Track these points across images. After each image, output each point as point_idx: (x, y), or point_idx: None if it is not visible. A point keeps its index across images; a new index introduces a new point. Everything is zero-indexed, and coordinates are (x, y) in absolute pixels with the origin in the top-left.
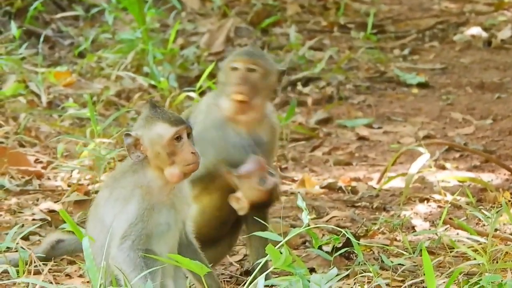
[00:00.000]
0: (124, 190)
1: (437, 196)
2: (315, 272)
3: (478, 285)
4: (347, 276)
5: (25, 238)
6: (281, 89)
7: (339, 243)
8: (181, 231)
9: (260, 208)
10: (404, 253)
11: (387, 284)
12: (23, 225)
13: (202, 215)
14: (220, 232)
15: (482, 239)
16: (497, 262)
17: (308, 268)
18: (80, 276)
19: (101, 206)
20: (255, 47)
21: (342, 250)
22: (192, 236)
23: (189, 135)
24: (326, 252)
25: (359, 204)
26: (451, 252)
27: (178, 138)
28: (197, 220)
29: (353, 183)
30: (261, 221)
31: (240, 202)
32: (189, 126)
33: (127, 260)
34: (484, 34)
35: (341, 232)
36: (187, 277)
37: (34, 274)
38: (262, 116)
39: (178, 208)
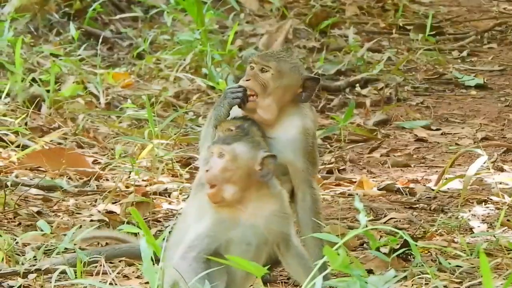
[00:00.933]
0: (202, 201)
1: (495, 198)
2: (373, 273)
3: None
4: (405, 277)
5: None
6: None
7: (397, 244)
8: (270, 250)
9: None
10: (462, 254)
11: (445, 286)
12: (81, 226)
13: None
14: None
15: None
16: None
17: (365, 270)
18: (138, 277)
19: (187, 208)
20: (285, 51)
21: (400, 251)
22: (300, 250)
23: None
24: (384, 253)
25: (417, 205)
26: (508, 253)
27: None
28: None
29: (411, 185)
30: (317, 221)
31: None
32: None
33: (189, 270)
34: None
35: (399, 233)
36: None
37: (92, 275)
38: (284, 119)
39: (263, 228)
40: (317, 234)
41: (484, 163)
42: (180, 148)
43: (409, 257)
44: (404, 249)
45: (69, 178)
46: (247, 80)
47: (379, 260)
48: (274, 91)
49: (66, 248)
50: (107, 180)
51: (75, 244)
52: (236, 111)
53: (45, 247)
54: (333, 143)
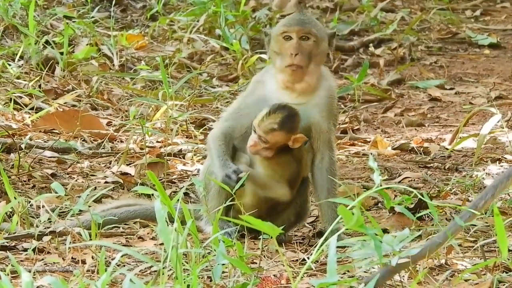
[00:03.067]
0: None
1: (509, 157)
2: (388, 233)
3: None
4: (420, 237)
5: (98, 201)
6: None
7: (411, 203)
8: None
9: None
10: (476, 213)
11: (459, 245)
12: (95, 188)
13: (262, 183)
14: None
15: None
16: None
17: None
18: (153, 238)
19: None
20: (305, 13)
21: (423, 212)
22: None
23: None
24: (399, 213)
25: (431, 165)
26: None
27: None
28: (258, 189)
29: (425, 144)
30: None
31: (298, 140)
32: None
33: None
34: None
35: (413, 192)
36: None
37: (106, 237)
38: (317, 82)
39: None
40: (334, 199)
41: (498, 121)
42: (194, 109)
43: (423, 216)
44: (420, 209)
45: (83, 140)
46: (295, 55)
47: (393, 220)
48: (316, 57)
49: (80, 210)
50: (122, 142)
51: (89, 206)
52: (271, 89)
53: (60, 209)
54: (347, 103)
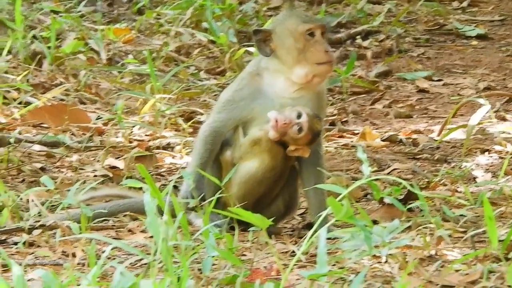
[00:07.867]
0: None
1: (498, 147)
2: (378, 224)
3: None
4: (409, 227)
5: None
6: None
7: (400, 195)
8: None
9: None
10: (466, 204)
11: (449, 235)
12: (84, 182)
13: (254, 177)
14: (274, 190)
15: None
16: None
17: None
18: (143, 231)
19: None
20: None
21: (412, 204)
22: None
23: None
24: (388, 204)
25: (420, 156)
26: None
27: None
28: (248, 182)
29: (414, 136)
30: (323, 171)
31: (302, 151)
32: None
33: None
34: None
35: (402, 184)
36: None
37: (96, 230)
38: None
39: None
40: (323, 185)
41: (487, 112)
42: (183, 103)
43: (413, 207)
44: (408, 200)
45: (72, 134)
46: (329, 52)
47: (383, 211)
48: None
49: (70, 204)
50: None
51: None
52: (269, 83)
53: (49, 203)
54: (335, 95)
